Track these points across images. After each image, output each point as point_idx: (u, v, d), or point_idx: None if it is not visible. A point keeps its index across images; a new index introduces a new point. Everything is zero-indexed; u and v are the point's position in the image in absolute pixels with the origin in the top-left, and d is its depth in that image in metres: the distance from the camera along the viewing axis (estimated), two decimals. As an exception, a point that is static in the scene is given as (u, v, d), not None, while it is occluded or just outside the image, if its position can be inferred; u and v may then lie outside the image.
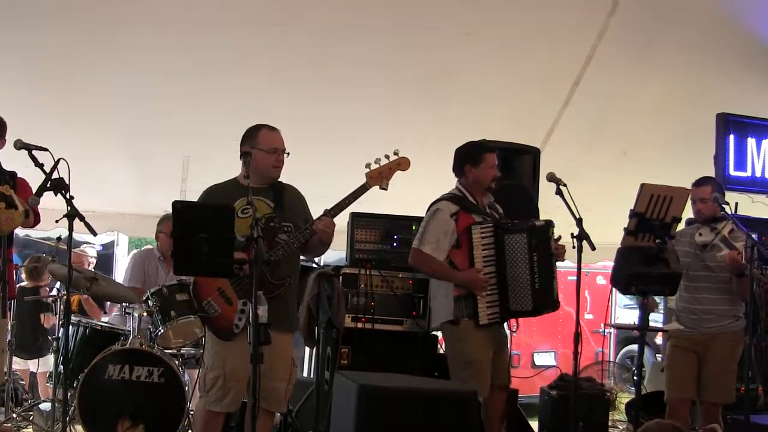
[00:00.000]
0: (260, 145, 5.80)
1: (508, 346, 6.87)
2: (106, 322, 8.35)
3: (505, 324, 6.86)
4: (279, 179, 5.94)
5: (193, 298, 5.95)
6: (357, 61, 8.60)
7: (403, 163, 5.93)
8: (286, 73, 8.62)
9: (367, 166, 5.82)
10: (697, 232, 7.19)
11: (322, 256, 10.49)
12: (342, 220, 7.57)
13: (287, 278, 5.70)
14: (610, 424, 8.29)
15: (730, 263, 6.85)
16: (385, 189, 5.86)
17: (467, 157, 6.75)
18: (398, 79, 8.82)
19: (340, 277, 7.18)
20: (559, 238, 6.50)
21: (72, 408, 7.02)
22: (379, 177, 5.84)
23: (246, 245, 5.34)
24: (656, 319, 11.53)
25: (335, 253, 10.05)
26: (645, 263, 6.46)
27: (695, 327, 7.18)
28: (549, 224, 6.55)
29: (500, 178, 6.85)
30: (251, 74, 8.56)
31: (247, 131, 5.92)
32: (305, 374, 10.62)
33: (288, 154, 5.88)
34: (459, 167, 6.77)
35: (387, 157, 5.84)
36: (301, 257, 6.98)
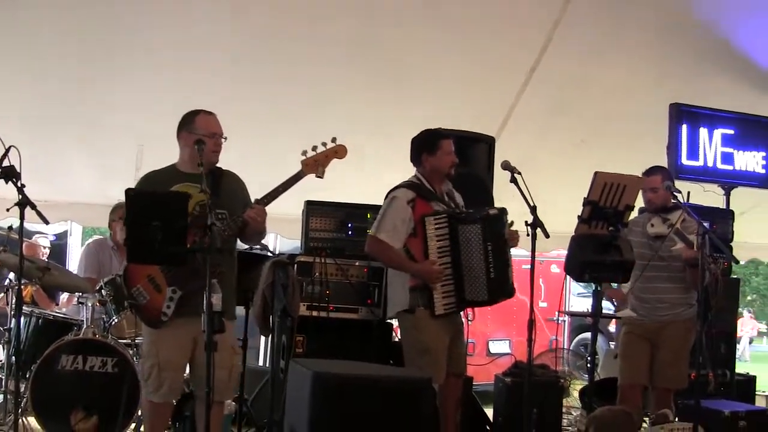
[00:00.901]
0: (198, 130, 5.73)
1: (464, 334, 6.89)
2: (59, 312, 8.30)
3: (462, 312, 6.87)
4: (218, 166, 5.87)
5: (123, 285, 5.88)
6: (311, 49, 8.55)
7: (339, 151, 5.87)
8: (240, 62, 8.54)
9: (304, 153, 5.76)
10: (649, 222, 7.25)
11: (277, 245, 10.55)
12: (297, 209, 7.58)
13: (219, 266, 5.53)
14: (564, 410, 8.35)
15: (685, 258, 6.93)
16: (321, 177, 5.79)
17: (423, 145, 6.76)
18: (352, 69, 8.78)
19: (295, 266, 7.15)
20: (512, 223, 6.51)
21: (24, 400, 6.98)
22: (315, 165, 5.77)
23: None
24: (609, 307, 11.63)
25: (290, 242, 10.06)
26: (598, 251, 6.50)
27: (648, 315, 7.26)
28: (502, 212, 6.56)
29: (455, 167, 6.86)
30: (205, 63, 8.49)
31: (183, 117, 5.86)
32: (261, 363, 10.61)
33: (225, 138, 5.81)
34: (416, 156, 6.78)
35: (324, 144, 5.79)
36: (256, 246, 6.99)
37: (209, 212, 5.10)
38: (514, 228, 6.54)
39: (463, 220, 6.53)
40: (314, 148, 5.79)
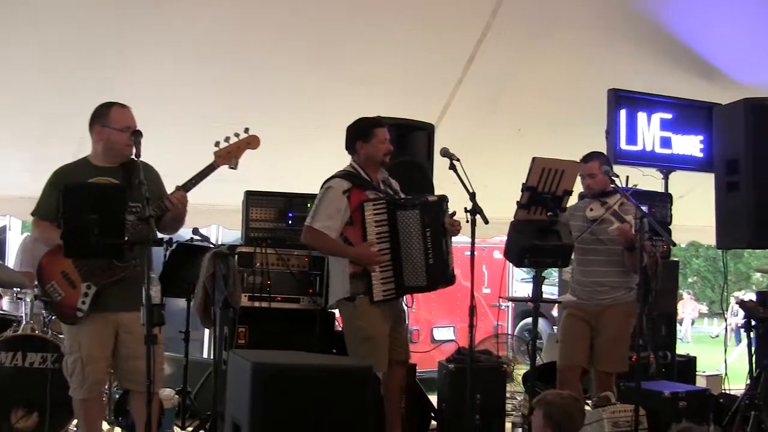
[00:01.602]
0: (112, 123, 5.69)
1: (407, 321, 6.90)
2: (-4, 309, 8.22)
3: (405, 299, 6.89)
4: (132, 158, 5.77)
5: (38, 282, 5.82)
6: (248, 41, 8.50)
7: (252, 141, 5.85)
8: (174, 50, 8.44)
9: (216, 144, 5.74)
10: (588, 207, 7.31)
11: (219, 236, 10.49)
12: (237, 199, 7.55)
13: (132, 261, 5.57)
14: (507, 395, 8.41)
15: (621, 236, 6.99)
16: (234, 168, 5.78)
17: (358, 133, 6.75)
18: (290, 54, 8.73)
19: (236, 256, 7.14)
20: (454, 213, 6.53)
21: (-36, 397, 6.91)
22: (228, 156, 5.75)
23: None
24: (552, 291, 11.71)
25: (231, 233, 10.02)
26: (537, 236, 6.54)
27: (589, 298, 7.34)
28: (442, 199, 6.58)
29: (395, 155, 6.87)
30: (144, 54, 8.39)
31: (96, 109, 5.81)
32: (204, 355, 10.59)
33: (141, 134, 5.64)
34: (351, 144, 6.77)
35: (237, 135, 5.78)
36: (197, 238, 6.95)
37: (147, 204, 5.05)
38: (456, 218, 6.55)
39: (402, 206, 6.54)
40: (227, 139, 5.78)
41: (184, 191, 5.64)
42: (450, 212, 6.56)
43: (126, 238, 5.08)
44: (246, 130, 5.81)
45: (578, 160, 7.21)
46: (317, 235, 6.54)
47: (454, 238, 6.71)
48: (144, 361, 5.49)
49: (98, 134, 5.75)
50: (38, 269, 5.73)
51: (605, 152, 8.30)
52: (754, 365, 6.92)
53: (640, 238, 6.61)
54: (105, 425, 7.04)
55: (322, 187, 6.64)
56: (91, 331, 5.61)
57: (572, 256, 7.12)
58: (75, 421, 7.05)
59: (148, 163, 5.82)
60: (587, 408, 7.06)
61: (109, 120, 5.71)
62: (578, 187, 7.31)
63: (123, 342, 5.33)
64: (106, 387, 7.02)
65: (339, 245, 6.56)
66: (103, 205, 4.96)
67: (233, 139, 5.78)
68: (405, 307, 6.89)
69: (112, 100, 5.84)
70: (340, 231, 6.52)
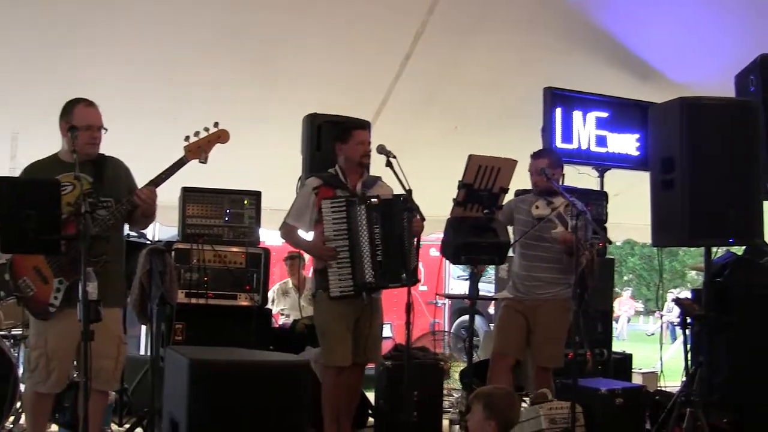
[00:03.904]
0: (74, 120, 5.63)
1: (377, 321, 6.92)
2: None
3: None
4: (101, 153, 5.80)
5: (9, 278, 5.76)
6: (187, 39, 8.45)
7: (222, 136, 5.84)
8: (116, 44, 8.38)
9: (186, 139, 5.73)
10: (534, 204, 7.34)
11: (156, 232, 10.42)
12: (173, 196, 7.51)
13: (102, 256, 5.53)
14: (444, 392, 8.43)
15: (562, 243, 7.05)
16: (204, 162, 5.77)
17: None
18: (229, 49, 8.69)
19: (173, 253, 7.11)
20: (417, 210, 6.34)
21: None
22: (198, 150, 5.74)
23: (66, 222, 5.26)
24: (488, 289, 11.77)
25: (168, 229, 9.95)
26: (474, 233, 6.59)
27: (527, 293, 7.38)
28: (398, 197, 6.53)
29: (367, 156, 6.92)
30: (82, 48, 8.31)
31: (64, 106, 5.76)
32: (141, 352, 10.51)
33: (106, 130, 5.73)
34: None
35: (206, 129, 5.76)
36: (133, 234, 6.91)
37: (83, 200, 5.01)
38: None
39: (354, 203, 6.60)
40: (196, 134, 5.76)
41: (153, 186, 5.62)
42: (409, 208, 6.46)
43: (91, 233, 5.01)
44: (215, 125, 5.79)
45: (522, 154, 7.26)
46: (287, 230, 6.84)
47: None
48: (107, 360, 5.58)
49: (63, 131, 5.70)
50: (9, 264, 5.69)
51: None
52: (689, 362, 7.00)
53: (576, 239, 6.62)
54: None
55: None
56: (60, 327, 5.55)
57: (514, 251, 7.18)
58: (11, 418, 7.00)
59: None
60: (524, 405, 7.12)
61: (72, 117, 5.66)
62: (514, 185, 7.34)
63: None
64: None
65: (301, 240, 6.93)
66: (39, 200, 4.91)
67: (203, 134, 5.76)
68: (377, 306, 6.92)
69: (80, 97, 5.78)
70: (312, 227, 6.72)
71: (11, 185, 5.10)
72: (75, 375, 6.27)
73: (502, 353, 7.49)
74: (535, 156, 7.43)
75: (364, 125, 6.99)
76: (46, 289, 5.58)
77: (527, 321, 7.40)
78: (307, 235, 6.94)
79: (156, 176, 5.64)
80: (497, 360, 7.48)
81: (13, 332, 7.38)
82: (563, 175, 7.60)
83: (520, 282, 7.47)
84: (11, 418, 7.01)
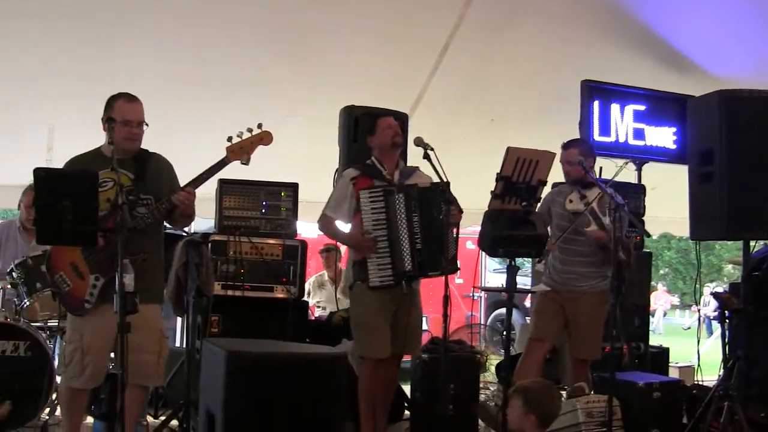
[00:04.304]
0: (114, 114, 5.60)
1: (416, 312, 6.89)
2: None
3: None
4: (144, 148, 5.78)
5: (47, 272, 5.79)
6: (225, 28, 8.46)
7: (265, 138, 5.77)
8: (155, 41, 8.41)
9: (229, 139, 5.68)
10: (568, 197, 7.28)
11: (192, 224, 10.46)
12: (210, 188, 7.51)
13: (140, 254, 5.49)
14: (481, 385, 8.40)
15: (596, 240, 6.99)
16: (246, 164, 5.71)
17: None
18: (267, 46, 8.71)
19: (209, 245, 7.12)
20: (454, 201, 6.31)
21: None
22: (240, 151, 5.68)
23: (105, 218, 5.28)
24: (525, 282, 11.72)
25: (205, 221, 9.98)
26: (511, 226, 6.54)
27: (565, 284, 7.33)
28: (436, 186, 6.41)
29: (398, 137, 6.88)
30: (120, 41, 8.34)
31: (107, 100, 5.73)
32: (177, 344, 10.54)
33: (147, 125, 5.71)
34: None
35: (249, 130, 5.71)
36: (169, 226, 6.92)
37: (120, 192, 5.01)
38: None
39: (392, 192, 6.58)
40: (240, 135, 5.71)
41: (192, 187, 5.59)
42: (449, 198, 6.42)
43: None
44: (259, 126, 5.73)
45: (559, 147, 7.21)
46: (325, 221, 6.81)
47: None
48: (149, 355, 5.57)
49: (104, 124, 5.67)
50: (47, 259, 5.71)
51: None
52: (727, 356, 6.94)
53: (614, 236, 6.54)
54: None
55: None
56: (95, 323, 5.55)
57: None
58: (47, 410, 7.03)
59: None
60: (562, 398, 7.08)
61: (113, 111, 5.63)
62: (552, 177, 7.31)
63: (132, 334, 5.23)
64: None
65: (339, 232, 6.87)
66: (77, 192, 4.89)
67: (246, 135, 5.71)
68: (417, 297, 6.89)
69: (123, 92, 5.76)
70: (350, 218, 6.71)
71: (48, 176, 5.05)
72: (111, 366, 6.27)
73: (539, 338, 7.46)
74: (565, 146, 7.37)
75: (386, 114, 6.94)
76: (82, 285, 5.57)
77: (564, 312, 7.36)
78: (345, 227, 6.91)
79: (196, 176, 5.61)
80: (533, 345, 7.46)
81: (49, 324, 7.39)
82: (600, 168, 7.55)
83: (557, 274, 7.43)
84: (47, 410, 7.03)
